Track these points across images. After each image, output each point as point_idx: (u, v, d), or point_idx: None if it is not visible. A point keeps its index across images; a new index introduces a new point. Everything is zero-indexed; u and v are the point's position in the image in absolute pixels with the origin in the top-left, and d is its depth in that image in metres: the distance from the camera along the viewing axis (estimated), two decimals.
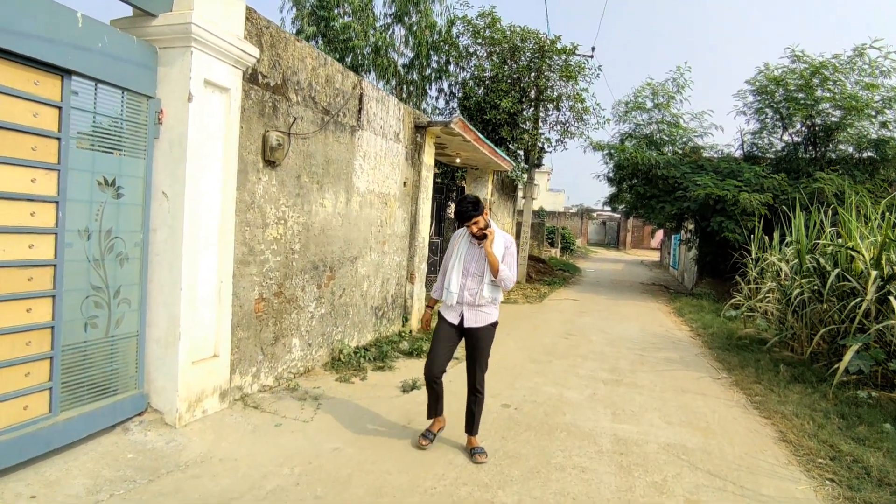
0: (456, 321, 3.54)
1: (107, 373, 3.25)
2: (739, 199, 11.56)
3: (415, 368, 5.37)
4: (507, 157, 11.11)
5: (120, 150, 3.21)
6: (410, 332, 7.13)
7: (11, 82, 2.59)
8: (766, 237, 9.67)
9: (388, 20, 14.33)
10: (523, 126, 13.53)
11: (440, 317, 3.63)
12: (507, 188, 15.32)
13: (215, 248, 3.72)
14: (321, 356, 5.35)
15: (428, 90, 15.09)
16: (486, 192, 12.10)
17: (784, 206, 10.16)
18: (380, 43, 13.39)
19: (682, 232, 17.34)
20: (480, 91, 13.67)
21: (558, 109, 13.91)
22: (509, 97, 12.76)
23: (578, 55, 13.65)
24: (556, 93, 13.64)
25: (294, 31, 13.10)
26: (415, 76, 14.81)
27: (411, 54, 14.51)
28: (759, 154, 14.47)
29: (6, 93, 2.56)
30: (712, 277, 14.46)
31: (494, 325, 3.60)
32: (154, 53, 3.36)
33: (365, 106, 5.79)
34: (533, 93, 13.66)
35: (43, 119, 2.75)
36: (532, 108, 13.76)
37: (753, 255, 9.68)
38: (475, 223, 3.47)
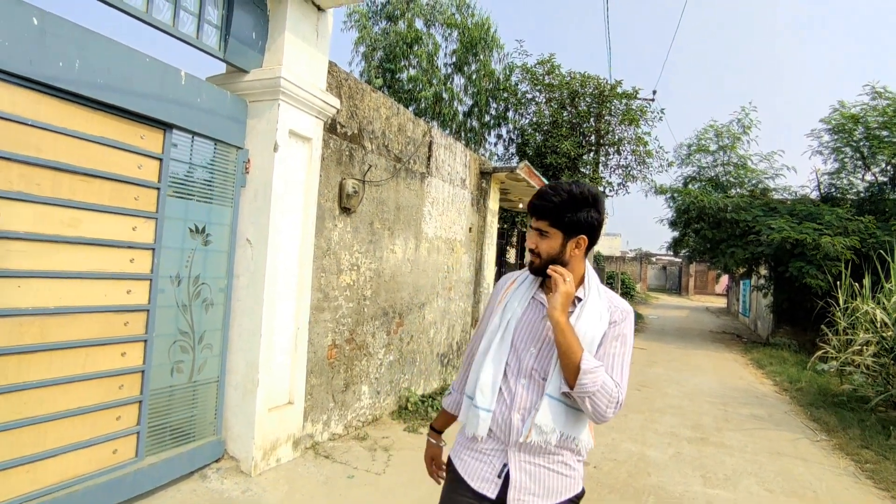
0: (489, 490, 1.57)
1: (188, 418, 3.27)
2: (821, 242, 10.84)
3: None
4: None
5: (210, 199, 3.33)
6: None
7: (122, 136, 2.74)
8: (856, 284, 8.96)
9: (448, 70, 14.79)
10: (584, 170, 13.40)
11: (451, 470, 1.70)
12: None
13: (293, 295, 3.75)
14: (389, 404, 5.25)
15: (487, 136, 15.33)
16: None
17: (874, 251, 9.43)
18: (442, 93, 13.78)
19: (755, 277, 16.41)
20: (539, 137, 13.72)
21: (619, 153, 13.75)
22: (569, 141, 12.72)
23: (640, 99, 13.54)
24: (617, 136, 13.51)
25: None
26: (474, 123, 15.09)
27: (470, 102, 14.85)
28: (839, 196, 13.65)
29: (118, 147, 2.72)
30: (791, 326, 13.48)
31: (578, 499, 1.62)
32: (245, 107, 3.52)
33: (434, 153, 5.86)
34: (593, 137, 13.58)
35: (146, 170, 2.88)
36: (593, 153, 13.65)
37: (841, 304, 8.95)
38: (567, 259, 1.58)
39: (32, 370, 2.41)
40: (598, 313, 1.55)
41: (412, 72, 13.68)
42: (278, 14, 3.54)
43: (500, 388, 1.58)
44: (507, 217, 13.11)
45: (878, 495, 4.06)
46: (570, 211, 1.52)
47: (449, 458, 1.73)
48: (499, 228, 11.13)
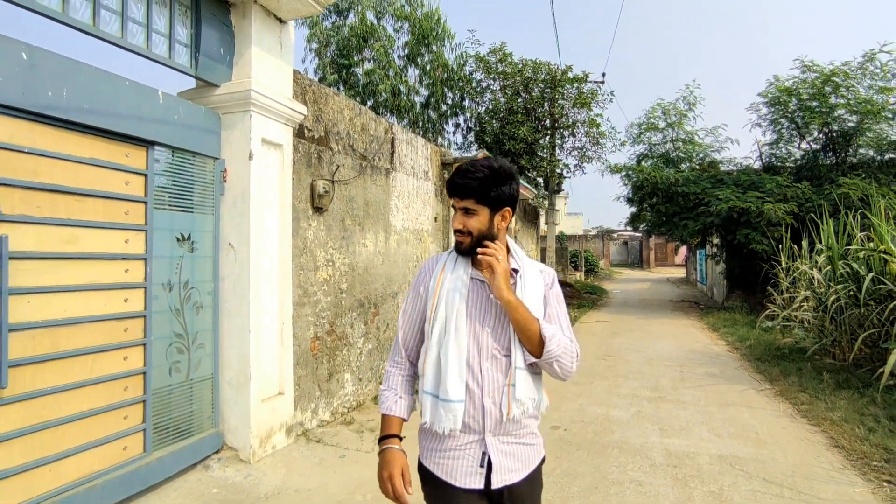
0: (476, 483, 1.55)
1: (188, 414, 3.51)
2: (764, 210, 11.61)
3: None
4: (529, 185, 11.40)
5: (192, 208, 3.55)
6: None
7: (109, 156, 2.94)
8: (795, 246, 9.70)
9: (402, 62, 14.97)
10: (541, 154, 13.86)
11: (427, 478, 1.63)
12: (530, 216, 15.57)
13: (276, 293, 4.00)
14: (371, 390, 5.56)
15: (445, 126, 15.62)
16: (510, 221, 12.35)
17: (811, 215, 10.19)
18: (399, 86, 13.96)
19: (708, 246, 17.32)
20: (496, 124, 14.10)
21: (574, 135, 14.26)
22: (525, 127, 13.14)
23: (590, 82, 14.04)
24: (570, 120, 14.01)
25: (317, 80, 13.79)
26: (431, 113, 15.35)
27: (426, 93, 15.09)
28: (779, 164, 14.53)
29: (106, 166, 2.92)
30: (743, 290, 14.37)
31: (542, 463, 1.69)
32: (218, 119, 3.73)
33: (397, 149, 6.14)
34: (548, 121, 14.04)
35: (133, 186, 3.09)
36: (548, 137, 14.11)
37: (783, 265, 9.70)
38: (496, 232, 1.61)
39: (47, 378, 2.62)
40: (537, 279, 1.63)
41: (368, 66, 13.81)
42: (243, 29, 3.75)
43: (474, 375, 1.55)
44: None
45: (810, 430, 4.62)
46: (495, 186, 1.54)
47: (420, 466, 1.64)
48: None
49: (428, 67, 14.83)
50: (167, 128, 3.28)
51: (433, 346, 1.58)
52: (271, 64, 3.90)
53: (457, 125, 15.61)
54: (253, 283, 3.72)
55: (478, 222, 1.57)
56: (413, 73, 15.02)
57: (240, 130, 3.73)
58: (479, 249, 1.55)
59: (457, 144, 15.50)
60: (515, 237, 12.40)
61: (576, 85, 13.74)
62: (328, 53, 14.09)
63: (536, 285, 1.62)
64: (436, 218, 7.30)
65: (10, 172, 2.47)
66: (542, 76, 13.79)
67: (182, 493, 3.28)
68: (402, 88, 14.26)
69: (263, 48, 3.83)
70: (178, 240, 3.42)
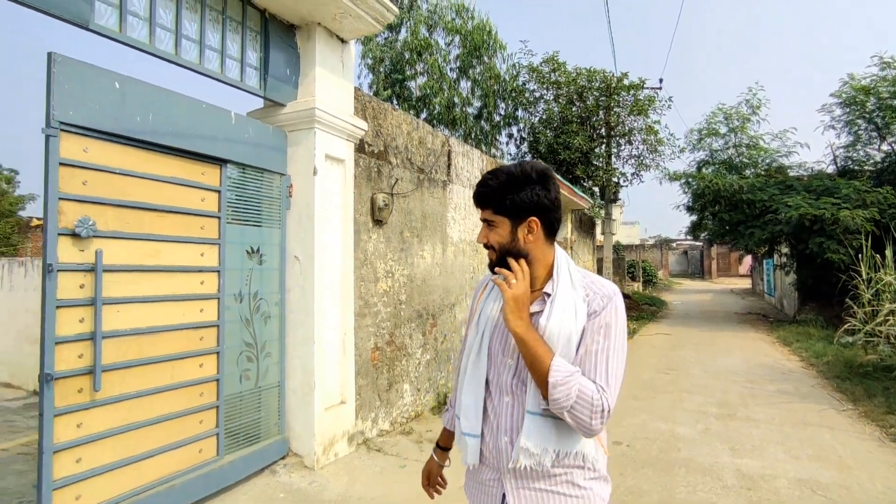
0: None
1: (255, 420, 3.65)
2: (840, 217, 10.92)
3: None
4: (584, 195, 11.22)
5: (261, 223, 3.71)
6: None
7: (188, 174, 3.13)
8: (878, 256, 9.05)
9: (454, 74, 15.15)
10: (597, 163, 13.63)
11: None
12: (586, 226, 15.30)
13: (338, 304, 4.11)
14: (428, 400, 5.59)
15: (498, 137, 15.64)
16: (566, 231, 12.19)
17: (895, 221, 9.50)
18: (454, 98, 14.13)
19: (776, 256, 16.42)
20: (550, 133, 13.99)
21: (631, 143, 13.95)
22: (580, 136, 12.96)
23: (647, 88, 13.72)
24: (627, 127, 13.72)
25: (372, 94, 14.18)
26: (484, 125, 15.42)
27: (479, 104, 15.18)
28: (856, 168, 13.65)
29: (184, 184, 3.11)
30: (816, 302, 13.51)
31: None
32: (284, 137, 3.90)
33: (453, 161, 6.20)
34: (604, 130, 13.80)
35: (208, 202, 3.27)
36: (604, 145, 13.87)
37: (864, 276, 9.06)
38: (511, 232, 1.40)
39: (134, 382, 2.80)
40: (572, 308, 1.33)
41: (421, 80, 14.05)
42: (308, 51, 3.92)
43: (486, 409, 1.42)
44: None
45: None
46: (512, 192, 1.35)
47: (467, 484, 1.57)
48: None
49: (480, 79, 14.93)
50: (238, 146, 3.46)
51: (462, 370, 1.49)
52: (333, 82, 4.05)
53: (510, 136, 15.62)
54: (317, 294, 3.84)
55: (497, 235, 1.39)
56: (465, 84, 15.17)
57: (305, 147, 3.88)
58: (495, 269, 1.39)
59: (510, 155, 15.51)
60: (571, 249, 12.19)
61: (632, 92, 13.46)
62: (381, 69, 14.45)
63: (568, 314, 1.32)
64: None
65: (105, 192, 2.68)
66: (597, 84, 13.60)
67: (251, 497, 3.40)
68: (456, 100, 14.42)
69: (326, 68, 3.98)
70: (248, 253, 3.59)
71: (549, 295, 1.37)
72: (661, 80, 14.68)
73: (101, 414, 2.65)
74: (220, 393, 3.32)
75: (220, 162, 3.35)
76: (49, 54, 2.47)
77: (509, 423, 1.36)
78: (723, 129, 15.44)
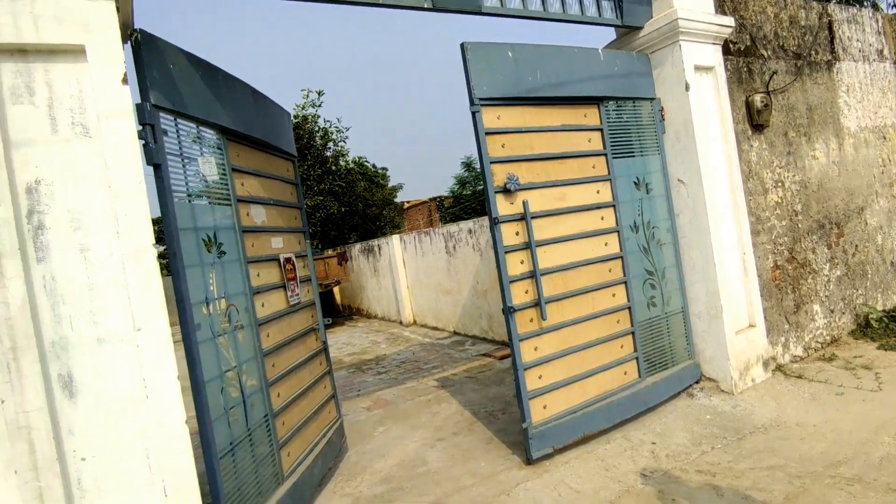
0: None
1: (666, 345, 3.73)
2: None
3: None
4: None
5: (641, 152, 3.70)
6: None
7: (573, 120, 3.34)
8: None
9: None
10: None
11: None
12: None
13: (732, 222, 3.82)
14: (845, 323, 4.75)
15: None
16: None
17: None
18: None
19: None
20: None
21: None
22: None
23: None
24: None
25: None
26: None
27: None
28: None
29: (572, 129, 3.33)
30: None
31: None
32: (647, 60, 3.76)
33: (836, 34, 4.98)
34: None
35: (594, 142, 3.43)
36: None
37: None
38: None
39: (567, 312, 3.20)
40: None
41: None
42: None
43: None
44: None
45: None
46: None
47: None
48: None
49: None
50: (609, 81, 3.49)
51: None
52: None
53: None
54: (710, 214, 3.64)
55: None
56: None
57: (671, 64, 3.67)
58: None
59: None
60: None
61: None
62: None
63: None
64: None
65: (518, 149, 3.09)
66: None
67: (677, 416, 3.51)
68: None
69: None
70: (634, 184, 3.63)
71: None
72: None
73: (548, 339, 3.11)
74: (633, 319, 3.50)
75: (596, 101, 3.45)
76: (462, 44, 2.92)
77: None
78: None
